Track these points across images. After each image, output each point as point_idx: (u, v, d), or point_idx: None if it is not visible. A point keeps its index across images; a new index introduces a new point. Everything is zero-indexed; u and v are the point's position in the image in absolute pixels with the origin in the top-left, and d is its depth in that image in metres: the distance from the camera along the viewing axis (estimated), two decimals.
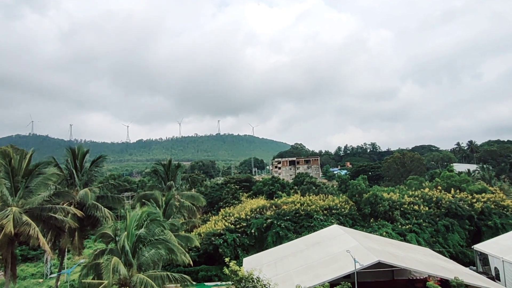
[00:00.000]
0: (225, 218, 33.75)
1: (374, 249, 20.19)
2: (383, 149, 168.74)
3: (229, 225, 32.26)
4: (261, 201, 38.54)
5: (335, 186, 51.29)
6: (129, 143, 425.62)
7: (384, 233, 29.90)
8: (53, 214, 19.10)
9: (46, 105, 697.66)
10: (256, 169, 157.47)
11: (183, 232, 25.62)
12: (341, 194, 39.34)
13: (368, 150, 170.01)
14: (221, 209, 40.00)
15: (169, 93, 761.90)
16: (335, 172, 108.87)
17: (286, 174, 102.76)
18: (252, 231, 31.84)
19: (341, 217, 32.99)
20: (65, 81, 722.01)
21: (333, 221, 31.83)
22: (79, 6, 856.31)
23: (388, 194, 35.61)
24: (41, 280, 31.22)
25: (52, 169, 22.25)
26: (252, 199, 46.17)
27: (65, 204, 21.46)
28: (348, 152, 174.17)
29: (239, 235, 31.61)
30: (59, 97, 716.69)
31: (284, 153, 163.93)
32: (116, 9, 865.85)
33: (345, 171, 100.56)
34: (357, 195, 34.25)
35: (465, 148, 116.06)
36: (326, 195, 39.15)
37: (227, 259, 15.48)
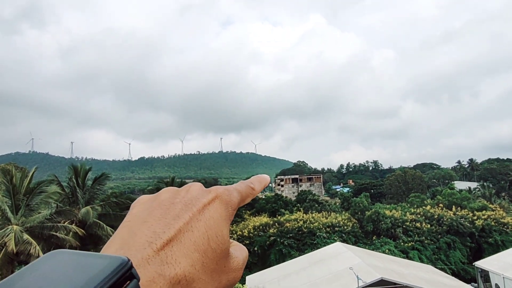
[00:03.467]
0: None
1: (377, 267, 20.25)
2: (385, 166, 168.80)
3: None
4: (264, 219, 38.54)
5: (337, 204, 51.25)
6: (131, 160, 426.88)
7: (387, 250, 29.88)
8: (54, 233, 19.10)
9: (47, 122, 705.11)
10: None
11: None
12: (343, 212, 39.42)
13: (371, 168, 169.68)
14: None
15: (171, 110, 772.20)
16: (337, 189, 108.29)
17: (289, 191, 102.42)
18: (255, 248, 31.80)
19: (343, 235, 33.00)
20: (66, 98, 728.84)
21: (335, 238, 31.83)
22: (80, 23, 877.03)
23: (390, 211, 35.78)
24: None
25: (54, 187, 22.20)
26: (255, 216, 46.07)
27: (66, 223, 21.34)
28: (351, 169, 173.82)
29: None
30: (60, 114, 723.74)
31: (286, 171, 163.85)
32: (118, 26, 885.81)
33: (348, 188, 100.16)
34: (359, 213, 34.37)
35: (466, 166, 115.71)
36: (329, 213, 39.22)
37: None
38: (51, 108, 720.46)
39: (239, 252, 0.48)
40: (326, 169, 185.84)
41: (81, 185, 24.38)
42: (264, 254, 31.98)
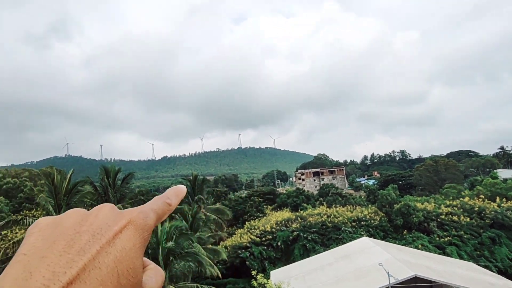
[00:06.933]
0: (251, 231, 33.54)
1: (409, 263, 19.10)
2: (414, 156, 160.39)
3: (255, 238, 31.98)
4: (286, 214, 38.02)
5: (363, 197, 49.55)
6: (154, 160, 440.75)
7: (420, 245, 28.19)
8: None
9: (78, 127, 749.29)
10: (279, 181, 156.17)
11: (210, 245, 25.76)
12: (369, 205, 37.93)
13: (397, 158, 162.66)
14: (246, 222, 39.85)
15: (190, 110, 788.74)
16: (362, 182, 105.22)
17: (310, 185, 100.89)
18: (278, 243, 31.32)
19: (371, 229, 31.71)
20: (92, 104, 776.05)
21: (362, 233, 30.65)
22: (100, 31, 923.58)
23: (422, 204, 33.86)
24: None
25: (88, 187, 23.78)
26: (276, 211, 45.66)
27: None
28: (375, 161, 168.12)
29: (265, 247, 31.18)
30: (89, 120, 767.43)
31: (307, 164, 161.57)
32: (134, 32, 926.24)
33: (373, 180, 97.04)
34: (387, 206, 32.82)
35: (511, 152, 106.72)
36: (354, 206, 37.91)
37: (254, 272, 15.35)
38: (81, 114, 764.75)
39: (155, 279, 0.45)
40: (348, 161, 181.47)
41: (112, 184, 25.52)
42: (288, 249, 31.46)
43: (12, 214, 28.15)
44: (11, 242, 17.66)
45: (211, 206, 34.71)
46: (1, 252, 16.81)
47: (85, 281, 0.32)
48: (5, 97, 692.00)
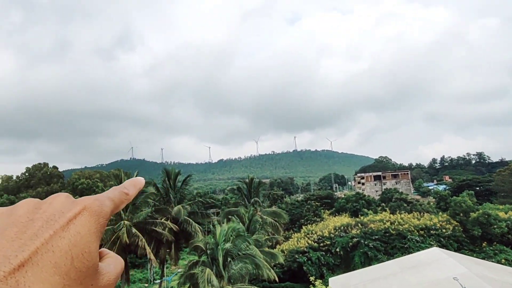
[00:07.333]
0: (308, 235, 33.14)
1: (490, 278, 16.79)
2: (494, 159, 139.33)
3: (312, 243, 31.52)
4: (344, 219, 36.69)
5: (432, 204, 45.01)
6: (211, 163, 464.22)
7: (503, 260, 24.64)
8: (154, 228, 22.38)
9: (141, 132, 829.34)
10: (337, 185, 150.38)
11: (267, 248, 26.23)
12: (440, 213, 34.33)
13: (473, 161, 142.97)
14: (302, 226, 39.52)
15: (246, 113, 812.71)
16: (430, 187, 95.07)
17: (371, 190, 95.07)
18: (337, 250, 30.36)
19: (442, 239, 28.72)
20: (154, 110, 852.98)
21: (432, 243, 27.95)
22: (159, 41, 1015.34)
23: (506, 213, 29.52)
24: (146, 285, 36.02)
25: (151, 188, 26.41)
26: (334, 216, 44.31)
27: (163, 219, 24.79)
28: (446, 164, 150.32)
29: (323, 253, 30.51)
30: (151, 125, 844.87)
31: (367, 168, 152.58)
32: (191, 39, 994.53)
33: (444, 186, 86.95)
34: (461, 214, 29.34)
35: None
36: (421, 214, 34.75)
37: (312, 278, 15.28)
38: (143, 119, 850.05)
39: (113, 266, 0.44)
40: (414, 164, 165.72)
41: (173, 186, 27.83)
42: (347, 256, 30.28)
43: None
44: None
45: (267, 209, 35.29)
46: None
47: (38, 263, 0.32)
48: (78, 105, 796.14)
